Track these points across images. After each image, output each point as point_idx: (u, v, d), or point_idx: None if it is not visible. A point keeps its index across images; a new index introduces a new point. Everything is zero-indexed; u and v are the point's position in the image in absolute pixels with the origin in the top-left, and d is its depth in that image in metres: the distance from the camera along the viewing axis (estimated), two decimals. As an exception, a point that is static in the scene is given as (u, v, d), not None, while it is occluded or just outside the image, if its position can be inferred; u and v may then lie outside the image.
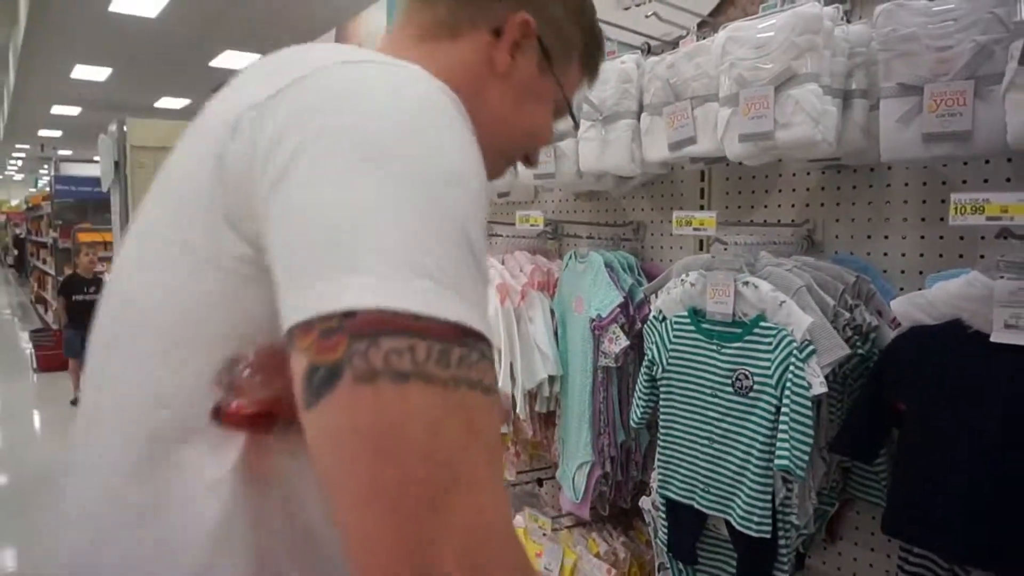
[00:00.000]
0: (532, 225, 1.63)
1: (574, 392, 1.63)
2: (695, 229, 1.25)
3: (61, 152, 16.43)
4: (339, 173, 0.46)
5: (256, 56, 10.10)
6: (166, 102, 12.87)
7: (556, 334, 1.72)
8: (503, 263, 1.82)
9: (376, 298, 0.43)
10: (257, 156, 0.49)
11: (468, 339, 0.46)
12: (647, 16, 1.44)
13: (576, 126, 0.85)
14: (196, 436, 0.51)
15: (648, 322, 1.40)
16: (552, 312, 1.74)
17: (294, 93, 0.50)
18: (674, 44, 1.51)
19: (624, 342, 1.50)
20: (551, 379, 1.70)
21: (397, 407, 0.42)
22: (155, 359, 0.53)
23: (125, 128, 4.66)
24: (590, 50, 0.81)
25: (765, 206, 1.48)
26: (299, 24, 8.40)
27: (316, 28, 4.44)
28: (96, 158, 5.52)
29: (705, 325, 1.27)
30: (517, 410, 1.70)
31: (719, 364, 1.24)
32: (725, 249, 1.30)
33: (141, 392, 0.53)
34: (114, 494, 0.53)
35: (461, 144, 0.51)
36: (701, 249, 1.60)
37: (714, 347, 1.25)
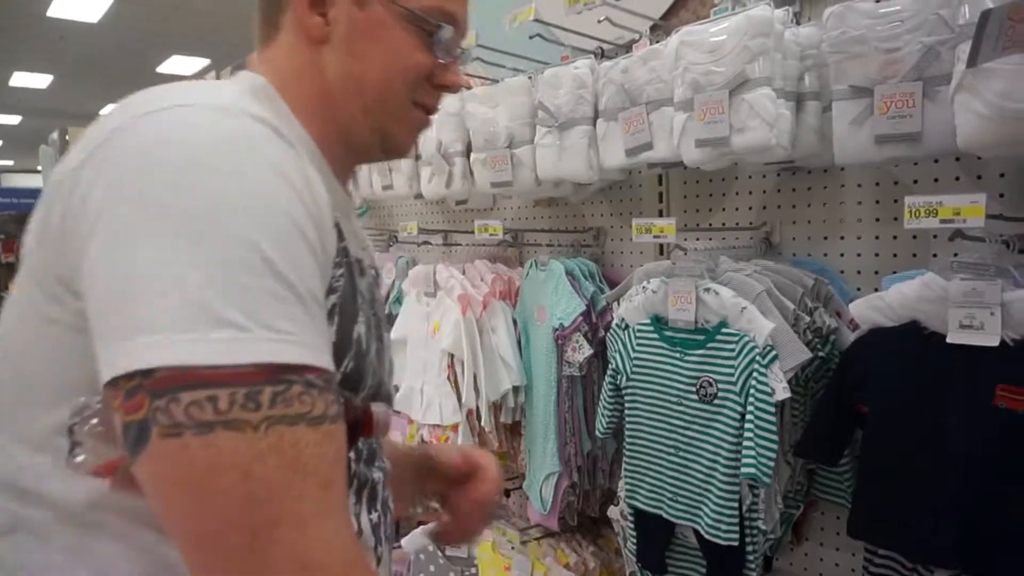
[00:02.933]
0: (491, 234, 1.61)
1: (539, 402, 1.61)
2: (655, 236, 1.24)
3: (2, 163, 15.86)
4: (130, 237, 0.48)
5: (206, 61, 9.86)
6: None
7: (519, 344, 1.70)
8: (463, 272, 1.80)
9: (169, 356, 0.45)
10: (68, 219, 0.51)
11: (285, 375, 0.47)
12: (599, 20, 1.42)
13: (444, 39, 0.71)
14: (51, 479, 0.54)
15: (611, 330, 1.39)
16: (515, 321, 1.72)
17: (96, 158, 0.52)
18: (627, 48, 1.50)
19: (588, 351, 1.48)
20: (515, 389, 1.68)
21: (205, 457, 0.45)
22: (7, 416, 0.57)
23: (67, 137, 4.51)
24: None
25: (723, 209, 1.47)
26: (248, 27, 8.22)
27: (265, 32, 4.33)
28: (39, 168, 5.32)
29: (668, 332, 1.26)
30: (482, 422, 1.67)
31: (683, 372, 1.23)
32: (685, 255, 1.30)
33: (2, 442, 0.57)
34: None
35: (259, 179, 0.51)
36: (662, 254, 1.60)
37: (677, 355, 1.24)
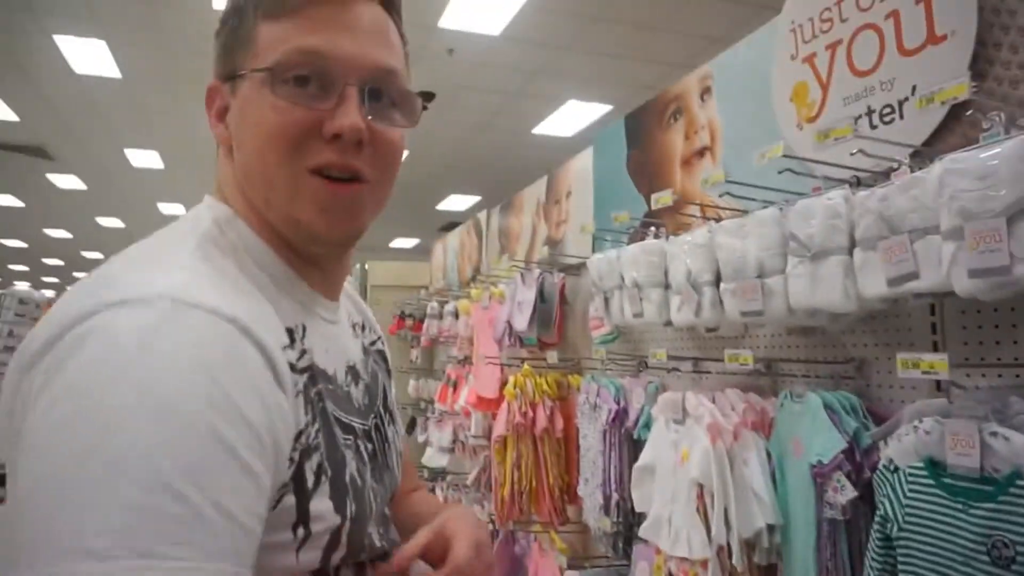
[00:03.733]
0: (741, 364, 1.59)
1: (797, 544, 1.51)
2: (924, 372, 1.15)
3: (315, 289, 18.93)
4: (34, 463, 0.47)
5: (478, 198, 11.06)
6: (399, 242, 14.45)
7: (774, 479, 1.62)
8: (713, 400, 1.78)
9: None
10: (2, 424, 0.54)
11: None
12: (852, 154, 1.41)
13: (300, 74, 0.64)
14: None
15: (878, 472, 1.28)
16: (768, 455, 1.65)
17: (34, 375, 0.52)
18: (885, 175, 1.46)
19: (851, 492, 1.37)
20: (771, 528, 1.59)
21: None
22: None
23: (366, 267, 5.31)
24: (263, 3, 0.65)
25: (1014, 342, 1.32)
26: (515, 168, 9.18)
27: (530, 170, 4.83)
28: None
29: (947, 479, 1.14)
30: (734, 560, 1.59)
31: (969, 527, 1.09)
32: (964, 392, 1.18)
33: None
34: None
35: (177, 400, 0.49)
36: (939, 390, 1.45)
37: (960, 506, 1.10)
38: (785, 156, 1.48)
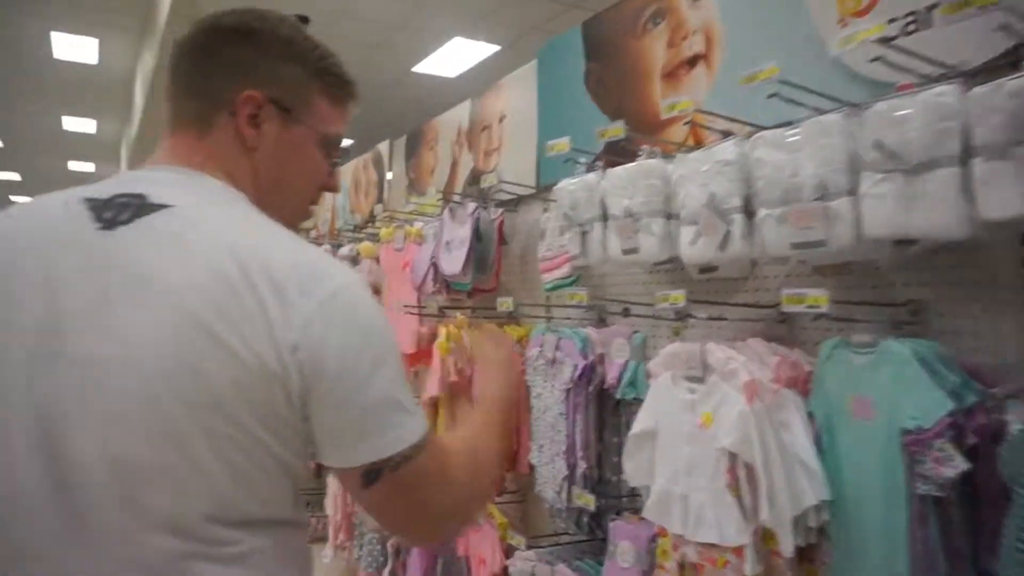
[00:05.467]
0: (809, 306, 1.28)
1: (867, 526, 1.24)
2: None
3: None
4: (367, 374, 0.79)
5: (347, 143, 10.25)
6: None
7: (817, 445, 1.34)
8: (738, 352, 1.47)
9: (398, 446, 0.79)
10: (329, 362, 0.76)
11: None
12: (994, 30, 1.11)
13: (337, 156, 0.98)
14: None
15: (1014, 440, 1.01)
16: (808, 415, 1.37)
17: (330, 319, 0.77)
18: (989, 68, 1.18)
19: (962, 464, 1.10)
20: (817, 504, 1.31)
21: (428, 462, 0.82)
22: None
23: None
24: (327, 84, 0.93)
25: None
26: (391, 110, 8.52)
27: (408, 113, 4.31)
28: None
29: None
30: (782, 547, 1.31)
31: None
32: None
33: None
34: None
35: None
36: None
37: None
38: (880, 41, 1.16)
